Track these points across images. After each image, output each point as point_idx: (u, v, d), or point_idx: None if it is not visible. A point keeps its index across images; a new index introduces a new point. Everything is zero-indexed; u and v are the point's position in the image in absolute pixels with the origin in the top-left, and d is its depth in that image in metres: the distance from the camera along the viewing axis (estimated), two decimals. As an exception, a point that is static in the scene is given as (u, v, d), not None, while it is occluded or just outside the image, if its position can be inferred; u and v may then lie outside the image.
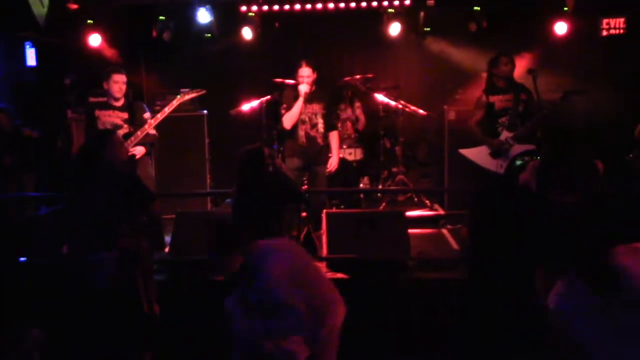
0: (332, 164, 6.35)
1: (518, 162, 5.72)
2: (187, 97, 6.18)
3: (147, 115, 6.10)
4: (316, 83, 6.26)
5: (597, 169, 3.95)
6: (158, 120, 5.95)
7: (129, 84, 6.21)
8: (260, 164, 4.36)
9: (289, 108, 6.21)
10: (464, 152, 6.09)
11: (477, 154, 6.00)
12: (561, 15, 7.24)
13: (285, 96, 6.36)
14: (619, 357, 2.28)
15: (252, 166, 4.40)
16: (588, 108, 6.58)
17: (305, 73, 6.14)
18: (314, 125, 6.27)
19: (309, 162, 6.33)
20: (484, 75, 6.32)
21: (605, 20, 7.29)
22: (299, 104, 6.15)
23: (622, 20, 7.33)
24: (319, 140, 6.32)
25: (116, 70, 6.10)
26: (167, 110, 6.00)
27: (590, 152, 4.03)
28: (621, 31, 7.30)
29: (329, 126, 6.37)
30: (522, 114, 5.93)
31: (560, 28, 7.35)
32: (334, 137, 6.40)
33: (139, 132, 5.87)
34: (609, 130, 6.63)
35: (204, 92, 6.34)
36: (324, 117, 6.31)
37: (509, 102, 5.95)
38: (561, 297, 2.09)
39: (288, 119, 6.22)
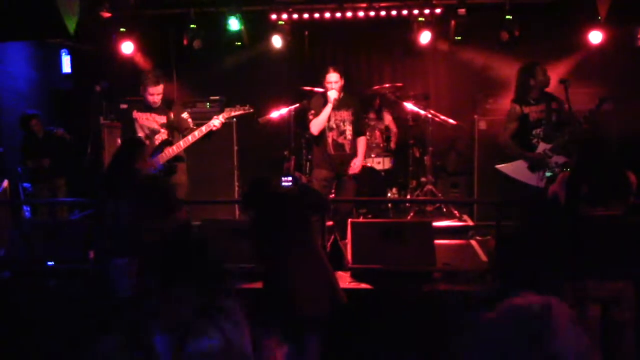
0: (356, 165, 6.31)
1: (549, 174, 5.57)
2: (233, 113, 6.11)
3: (185, 114, 6.06)
4: (344, 90, 6.26)
5: (629, 182, 3.83)
6: (202, 134, 5.84)
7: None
8: (264, 193, 4.10)
9: (317, 114, 6.20)
10: (501, 167, 5.85)
11: (515, 169, 5.77)
12: (595, 24, 7.09)
13: (313, 103, 6.36)
14: None
15: (257, 196, 4.16)
16: (623, 115, 6.42)
17: (333, 79, 6.13)
18: (341, 132, 6.27)
19: (337, 172, 6.31)
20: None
21: (640, 30, 7.15)
22: (327, 110, 6.14)
23: (658, 30, 7.18)
24: (347, 148, 6.30)
25: (153, 81, 5.90)
26: (212, 125, 5.84)
27: (622, 164, 3.92)
28: (657, 41, 7.14)
29: (357, 132, 6.36)
30: (555, 124, 5.77)
31: (595, 37, 7.20)
32: (361, 142, 6.41)
33: (181, 143, 5.83)
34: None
35: (251, 110, 6.23)
36: (352, 123, 6.29)
37: (542, 113, 5.77)
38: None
39: (316, 125, 6.21)
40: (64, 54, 8.71)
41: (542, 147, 5.70)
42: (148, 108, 6.00)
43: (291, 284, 3.79)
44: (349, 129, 6.28)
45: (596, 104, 5.54)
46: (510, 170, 5.83)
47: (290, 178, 4.38)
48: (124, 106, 6.59)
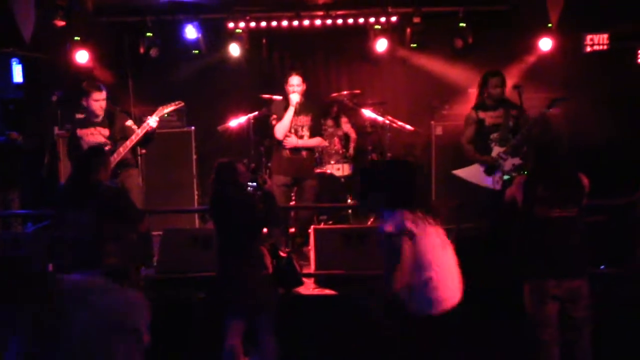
0: (290, 140, 6.21)
1: (506, 177, 5.72)
2: (165, 110, 6.00)
3: (129, 122, 5.97)
4: (304, 95, 6.24)
5: (583, 184, 3.97)
6: (140, 136, 5.76)
7: (113, 99, 6.09)
8: (230, 178, 4.30)
9: (279, 119, 6.18)
10: (458, 172, 6.00)
11: (471, 173, 5.93)
12: (546, 32, 7.32)
13: (274, 109, 6.33)
14: None
15: (223, 179, 4.33)
16: (575, 123, 6.62)
17: (295, 82, 6.12)
18: (300, 137, 6.26)
19: (296, 177, 6.31)
20: (472, 91, 6.34)
21: (589, 37, 7.38)
22: (290, 114, 6.13)
23: (605, 36, 7.42)
24: (304, 153, 6.32)
25: (94, 87, 5.87)
26: (148, 125, 5.76)
27: (576, 167, 4.06)
28: (604, 47, 7.38)
29: (314, 134, 6.35)
30: (513, 129, 5.91)
31: (545, 44, 7.43)
32: (314, 139, 6.38)
33: (121, 149, 5.73)
34: (593, 144, 6.72)
35: (182, 104, 6.20)
36: (310, 128, 6.29)
37: (500, 119, 5.93)
38: None
39: (280, 130, 6.17)
40: (14, 63, 8.49)
41: (496, 150, 5.87)
42: (91, 123, 5.89)
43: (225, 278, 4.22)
44: (307, 135, 6.29)
45: (548, 104, 5.69)
46: (465, 174, 5.98)
47: (255, 183, 4.38)
48: (67, 127, 6.59)
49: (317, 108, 6.59)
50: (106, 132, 5.89)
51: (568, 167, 3.99)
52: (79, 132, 5.92)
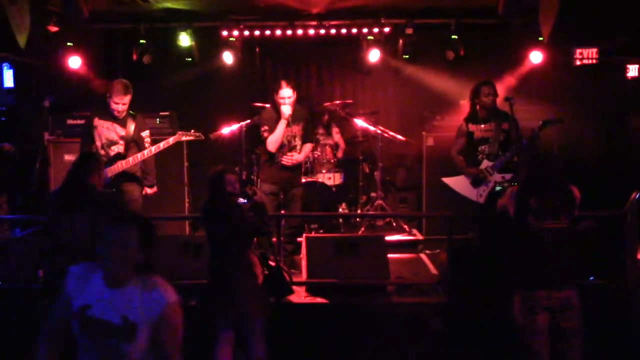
0: (293, 157, 6.22)
1: (498, 188, 5.78)
2: (184, 138, 6.19)
3: (145, 133, 6.05)
4: (295, 104, 6.18)
5: (574, 196, 4.02)
6: (152, 154, 5.96)
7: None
8: (220, 187, 4.31)
9: (270, 130, 6.12)
10: (446, 180, 6.11)
11: (458, 183, 6.03)
12: (537, 45, 7.40)
13: (264, 118, 6.23)
14: None
15: (214, 188, 4.35)
16: (565, 136, 6.69)
17: (287, 94, 6.03)
18: (292, 148, 6.23)
19: (284, 186, 6.30)
20: (463, 102, 6.39)
21: (578, 50, 7.46)
22: (281, 127, 6.06)
23: (594, 50, 7.51)
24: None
25: (120, 90, 5.87)
26: (162, 146, 5.99)
27: (568, 179, 4.11)
28: (594, 61, 7.47)
29: (305, 140, 6.32)
30: (503, 143, 5.97)
31: (536, 57, 7.51)
32: (306, 147, 6.37)
33: (130, 159, 5.82)
34: (581, 157, 6.80)
35: (202, 137, 6.36)
36: (302, 137, 6.28)
37: (490, 132, 5.99)
38: None
39: (272, 143, 6.11)
40: (5, 67, 8.46)
41: (484, 164, 5.95)
42: (111, 117, 5.93)
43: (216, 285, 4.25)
44: (299, 145, 6.26)
45: (539, 126, 5.76)
46: (453, 183, 6.08)
47: (244, 194, 4.38)
48: (57, 132, 6.85)
49: (308, 114, 6.58)
50: (122, 131, 5.94)
51: (560, 179, 4.03)
52: (96, 120, 5.94)
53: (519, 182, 4.25)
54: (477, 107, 6.05)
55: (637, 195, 5.17)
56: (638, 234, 5.21)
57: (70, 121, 7.46)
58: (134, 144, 5.98)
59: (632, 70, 7.60)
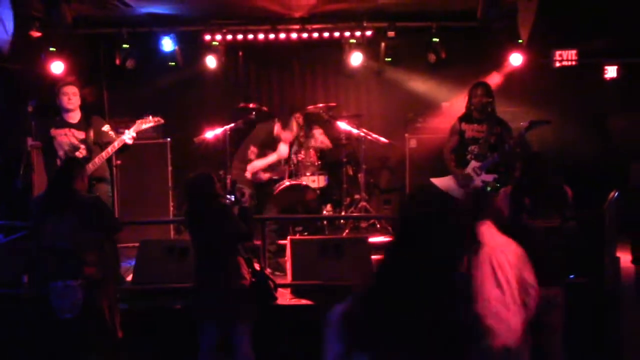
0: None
1: (488, 189, 5.79)
2: (144, 125, 5.98)
3: (106, 127, 5.93)
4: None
5: (567, 195, 4.11)
6: (115, 149, 5.79)
7: (88, 110, 6.06)
8: (203, 190, 4.34)
9: (259, 155, 6.37)
10: (435, 180, 6.07)
11: (447, 183, 6.01)
12: (516, 47, 7.48)
13: (255, 135, 6.48)
14: None
15: (196, 191, 4.39)
16: (551, 136, 6.78)
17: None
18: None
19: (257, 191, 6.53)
20: (445, 104, 6.42)
21: (557, 52, 7.57)
22: (271, 159, 6.46)
23: (574, 52, 7.62)
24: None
25: (65, 82, 5.90)
26: (125, 139, 5.76)
27: (560, 179, 4.20)
28: (573, 63, 7.58)
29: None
30: (493, 145, 5.96)
31: (516, 59, 7.58)
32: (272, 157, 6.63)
33: (96, 160, 5.68)
34: (561, 156, 6.88)
35: (161, 121, 6.18)
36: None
37: (481, 133, 5.99)
38: None
39: (253, 168, 6.44)
40: (-13, 73, 8.41)
41: (472, 165, 5.94)
42: (66, 124, 5.82)
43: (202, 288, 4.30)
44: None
45: (526, 127, 5.79)
46: (441, 183, 6.06)
47: (232, 197, 4.43)
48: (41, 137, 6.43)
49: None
50: (81, 134, 5.80)
51: (553, 179, 4.12)
52: (53, 131, 5.82)
53: (513, 182, 4.32)
54: (471, 107, 6.08)
55: (616, 195, 5.26)
56: (616, 233, 5.30)
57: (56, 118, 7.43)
58: (96, 145, 5.83)
59: (610, 72, 7.73)
